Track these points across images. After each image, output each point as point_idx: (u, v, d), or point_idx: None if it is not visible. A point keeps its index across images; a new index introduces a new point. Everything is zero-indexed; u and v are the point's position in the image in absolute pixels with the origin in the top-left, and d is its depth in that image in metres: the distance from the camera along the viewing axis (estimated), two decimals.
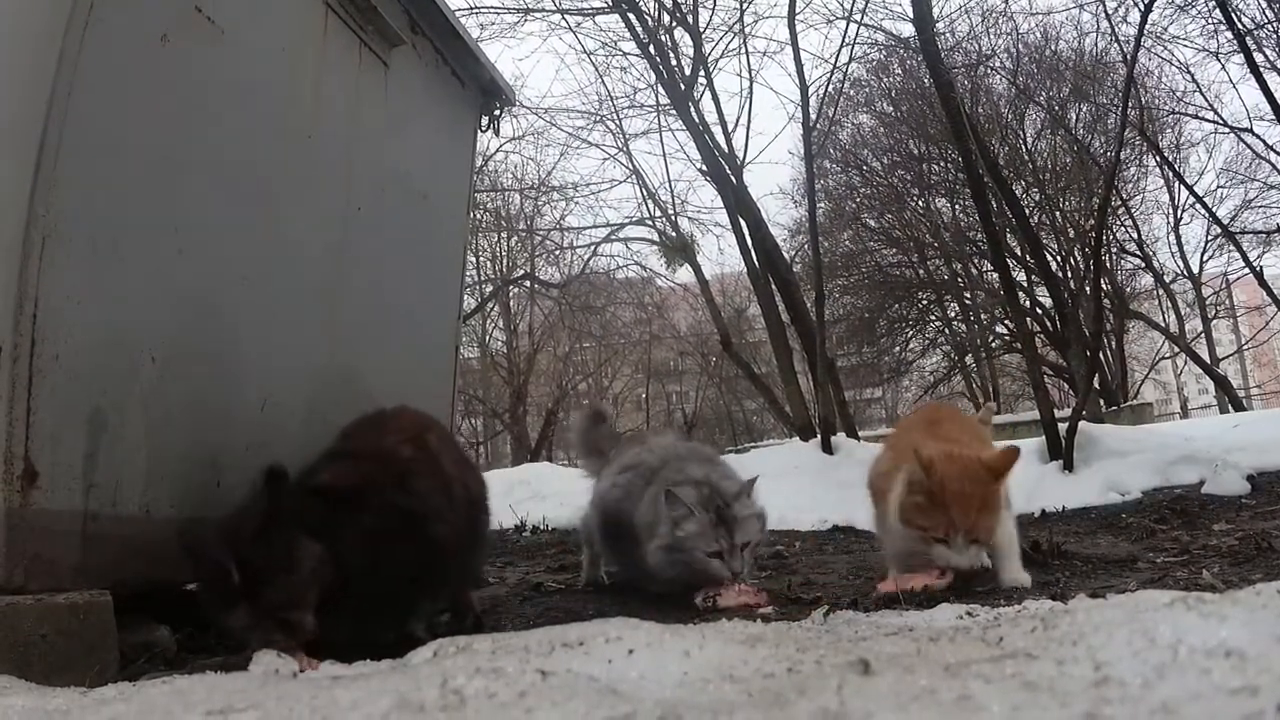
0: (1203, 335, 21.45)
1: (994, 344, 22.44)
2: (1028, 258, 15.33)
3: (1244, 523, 3.90)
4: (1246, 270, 16.64)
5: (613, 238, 17.16)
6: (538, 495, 7.35)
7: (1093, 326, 9.28)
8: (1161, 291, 20.80)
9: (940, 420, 3.10)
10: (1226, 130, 16.88)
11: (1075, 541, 3.52)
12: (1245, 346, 25.49)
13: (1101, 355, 16.66)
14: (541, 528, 6.35)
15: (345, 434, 2.49)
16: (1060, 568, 2.82)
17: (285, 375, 2.81)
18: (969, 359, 23.41)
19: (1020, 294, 10.89)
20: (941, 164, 19.44)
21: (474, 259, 18.60)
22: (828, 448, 8.64)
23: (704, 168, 10.88)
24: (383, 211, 3.34)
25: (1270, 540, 2.78)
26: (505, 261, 21.13)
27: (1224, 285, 21.78)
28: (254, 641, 1.89)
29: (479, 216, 17.39)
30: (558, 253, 19.80)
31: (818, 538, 5.84)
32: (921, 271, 21.98)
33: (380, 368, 3.28)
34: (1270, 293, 11.55)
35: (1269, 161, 16.55)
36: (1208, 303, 21.77)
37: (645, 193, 14.39)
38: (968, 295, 21.67)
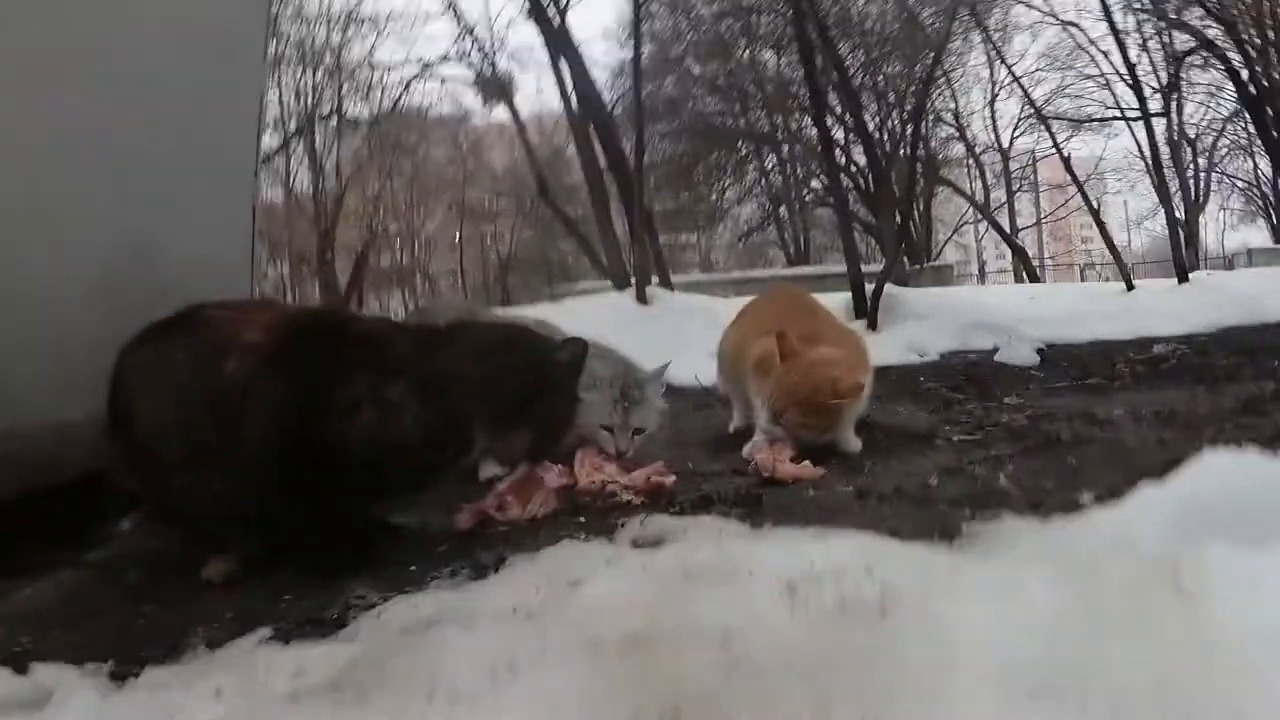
0: (1005, 206, 22.65)
1: (808, 197, 22.93)
2: (847, 117, 15.54)
3: (1033, 398, 4.10)
4: (1052, 151, 17.54)
5: (427, 74, 16.31)
6: None
7: (906, 194, 9.57)
8: (972, 161, 21.69)
9: (810, 310, 3.18)
10: (1053, 20, 17.47)
11: (877, 408, 3.59)
12: (1044, 219, 27.05)
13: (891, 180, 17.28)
14: None
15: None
16: (864, 441, 2.87)
17: (66, 261, 2.48)
18: (783, 210, 23.89)
19: (837, 151, 11.05)
20: (770, 16, 19.28)
21: (276, 94, 17.41)
22: (642, 298, 8.67)
23: (527, 5, 10.39)
24: (160, 49, 2.92)
25: (1058, 429, 2.89)
26: (311, 97, 19.77)
27: (1030, 162, 23.04)
28: None
29: (280, 49, 16.15)
30: (368, 88, 18.74)
31: None
32: (743, 122, 22.04)
33: (173, 235, 2.91)
34: (1073, 174, 12.30)
35: (1088, 53, 17.30)
36: (1013, 176, 23.00)
37: (463, 28, 13.66)
38: (786, 148, 21.96)
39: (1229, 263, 20.57)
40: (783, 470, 2.32)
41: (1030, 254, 20.68)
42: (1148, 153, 12.37)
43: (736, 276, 19.22)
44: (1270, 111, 12.68)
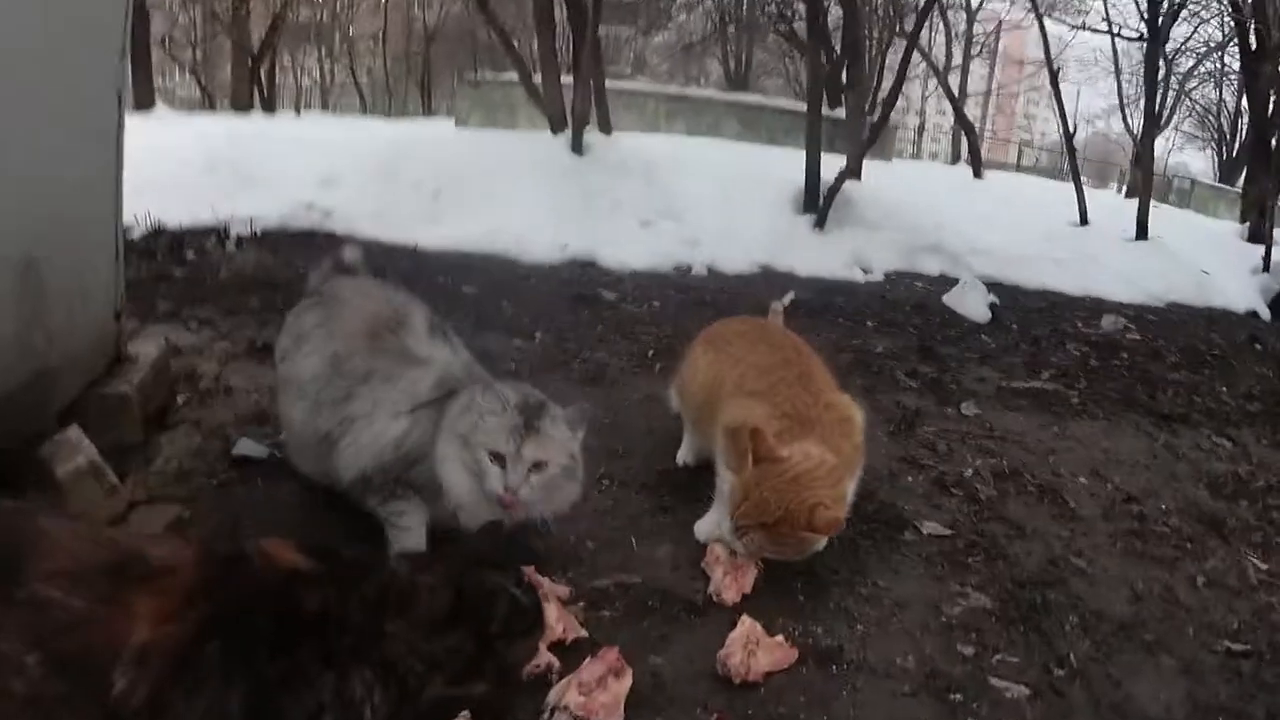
0: (960, 70, 21.95)
1: (760, 20, 21.91)
2: None
3: (992, 404, 3.85)
4: (1021, 23, 16.84)
5: None
6: (246, 180, 6.26)
7: (891, 96, 9.07)
8: (937, 17, 20.76)
9: (804, 370, 2.64)
10: None
11: None
12: (995, 92, 26.49)
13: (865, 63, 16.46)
14: (247, 236, 5.35)
15: None
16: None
17: None
18: (731, 28, 22.77)
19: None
20: None
21: None
22: (578, 147, 8.08)
23: None
24: None
25: (1029, 538, 2.63)
26: None
27: (995, 30, 22.26)
28: None
29: None
30: None
31: (546, 281, 5.39)
32: None
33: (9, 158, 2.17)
34: (1045, 41, 11.91)
35: None
36: (974, 41, 22.21)
37: None
38: None
39: (1169, 184, 20.66)
40: (756, 668, 1.97)
41: (973, 115, 20.34)
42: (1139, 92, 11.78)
43: (673, 92, 18.34)
44: (1264, 61, 12.07)
